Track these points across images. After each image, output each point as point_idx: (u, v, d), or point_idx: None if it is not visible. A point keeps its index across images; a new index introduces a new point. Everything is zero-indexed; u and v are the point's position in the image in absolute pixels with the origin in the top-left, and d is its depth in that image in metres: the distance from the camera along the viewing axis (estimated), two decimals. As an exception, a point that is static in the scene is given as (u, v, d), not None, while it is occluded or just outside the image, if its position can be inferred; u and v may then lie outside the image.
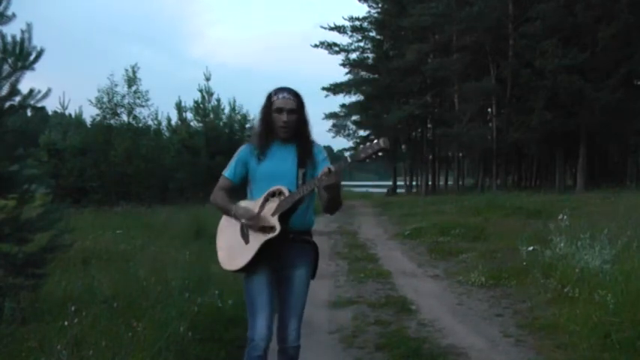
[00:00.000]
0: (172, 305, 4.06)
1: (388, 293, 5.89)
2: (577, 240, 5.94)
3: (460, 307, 5.30)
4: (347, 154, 2.43)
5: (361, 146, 2.39)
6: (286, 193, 2.55)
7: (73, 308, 3.44)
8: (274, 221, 2.54)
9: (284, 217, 2.54)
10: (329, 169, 2.38)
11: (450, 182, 43.07)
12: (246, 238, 2.59)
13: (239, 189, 2.77)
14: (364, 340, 4.21)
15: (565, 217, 7.21)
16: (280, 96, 2.63)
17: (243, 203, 2.68)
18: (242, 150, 2.75)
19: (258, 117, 2.73)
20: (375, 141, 2.32)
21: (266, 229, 2.54)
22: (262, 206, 2.58)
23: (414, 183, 43.36)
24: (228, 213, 2.67)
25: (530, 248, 6.79)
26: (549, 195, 21.63)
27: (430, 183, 40.20)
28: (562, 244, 6.18)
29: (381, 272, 7.17)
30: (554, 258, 6.00)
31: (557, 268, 5.56)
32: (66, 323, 3.29)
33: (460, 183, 39.94)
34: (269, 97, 2.67)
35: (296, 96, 2.66)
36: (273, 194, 2.58)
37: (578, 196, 20.02)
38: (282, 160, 2.66)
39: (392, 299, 5.57)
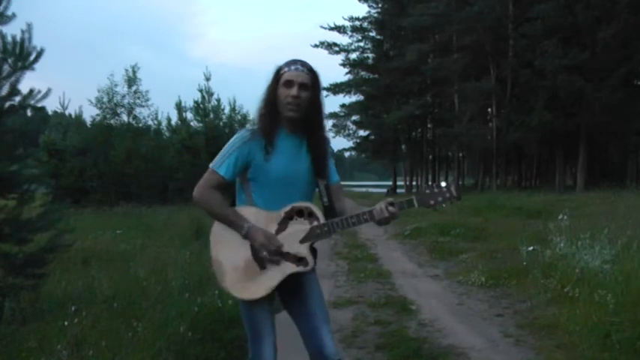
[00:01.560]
0: (172, 305, 4.06)
1: (388, 293, 5.89)
2: (577, 240, 5.94)
3: (460, 307, 5.30)
4: (414, 197, 2.08)
5: (428, 191, 2.13)
6: (319, 217, 2.09)
7: (73, 308, 3.45)
8: (305, 251, 2.09)
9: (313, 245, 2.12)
10: (392, 212, 2.05)
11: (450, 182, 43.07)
12: (261, 262, 2.09)
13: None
14: (364, 340, 4.21)
15: (565, 217, 7.21)
16: (293, 67, 2.10)
17: (250, 214, 2.10)
18: (244, 141, 2.13)
19: (262, 96, 2.17)
20: (444, 185, 2.11)
21: (290, 256, 2.08)
22: (283, 224, 2.10)
23: (414, 183, 43.39)
24: (234, 227, 2.10)
25: (530, 248, 6.78)
26: (549, 195, 21.62)
27: (430, 183, 40.08)
28: (562, 244, 6.17)
29: (381, 272, 7.16)
30: (554, 258, 5.99)
31: (557, 268, 5.55)
32: (66, 323, 3.30)
33: (460, 183, 39.95)
34: (277, 71, 2.14)
35: (311, 71, 2.14)
36: (300, 212, 2.10)
37: (578, 196, 20.02)
38: (295, 158, 2.15)
39: (392, 299, 5.56)
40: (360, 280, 6.64)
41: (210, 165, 2.15)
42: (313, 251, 2.20)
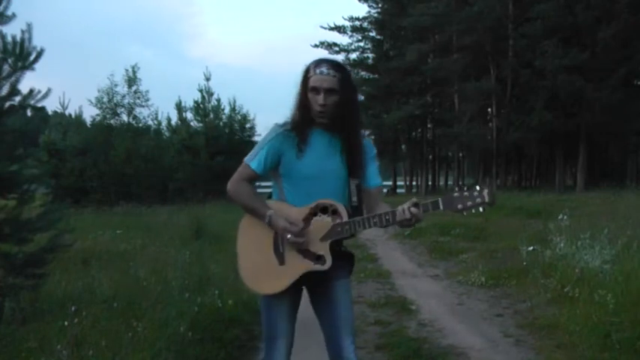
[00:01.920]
0: (172, 305, 4.05)
1: (388, 293, 5.89)
2: (577, 240, 5.94)
3: (460, 307, 5.30)
4: (440, 199, 2.00)
5: (457, 193, 1.99)
6: (344, 215, 2.03)
7: (73, 308, 3.44)
8: (324, 249, 2.02)
9: (334, 245, 2.05)
10: (415, 213, 1.96)
11: (450, 182, 43.11)
12: (280, 257, 2.06)
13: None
14: (364, 340, 4.20)
15: (565, 217, 7.21)
16: (318, 71, 2.03)
17: (276, 205, 2.10)
18: (276, 136, 2.11)
19: (295, 97, 2.14)
20: (477, 189, 1.96)
21: (309, 254, 2.03)
22: (307, 220, 2.04)
23: (414, 183, 43.38)
24: (258, 216, 2.08)
25: (530, 248, 6.79)
26: (549, 195, 21.61)
27: (430, 183, 40.25)
28: (562, 244, 6.17)
29: (381, 272, 7.17)
30: (554, 258, 6.00)
31: (557, 268, 5.56)
32: (66, 323, 3.29)
33: (460, 183, 39.90)
34: (306, 72, 2.08)
35: (339, 70, 2.05)
36: (324, 209, 2.04)
37: (578, 196, 20.01)
38: (327, 155, 2.09)
39: (392, 299, 5.56)
40: (360, 280, 6.64)
41: (245, 159, 2.15)
42: (350, 256, 2.19)
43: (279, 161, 2.10)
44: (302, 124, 2.08)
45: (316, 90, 2.02)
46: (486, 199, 1.94)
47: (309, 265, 2.03)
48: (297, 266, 2.04)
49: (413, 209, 1.97)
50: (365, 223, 2.02)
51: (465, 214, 1.98)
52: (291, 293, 2.11)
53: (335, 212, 2.04)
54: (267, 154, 2.10)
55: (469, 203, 1.96)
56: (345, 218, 2.04)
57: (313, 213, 2.04)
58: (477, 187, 1.98)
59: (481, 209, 1.95)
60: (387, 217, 2.00)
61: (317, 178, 2.07)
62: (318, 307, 2.20)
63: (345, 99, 2.06)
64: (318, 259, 2.02)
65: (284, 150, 2.08)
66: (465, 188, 2.00)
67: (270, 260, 2.07)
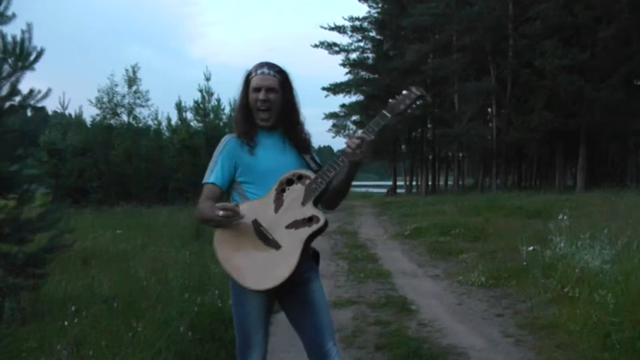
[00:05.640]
0: (172, 305, 4.06)
1: (388, 293, 5.89)
2: (577, 240, 5.94)
3: (460, 307, 5.30)
4: (383, 110, 2.09)
5: (391, 100, 2.10)
6: (310, 174, 2.08)
7: (73, 308, 3.44)
8: (311, 210, 2.04)
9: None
10: (359, 137, 2.01)
11: (450, 182, 43.08)
12: (274, 244, 2.02)
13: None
14: (364, 340, 4.21)
15: (565, 217, 7.21)
16: (259, 72, 2.12)
17: (244, 207, 2.06)
18: (228, 144, 2.16)
19: (237, 102, 2.22)
20: (408, 89, 2.10)
21: (300, 222, 2.03)
22: (278, 200, 2.07)
23: (414, 183, 43.35)
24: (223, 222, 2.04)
25: (530, 248, 6.78)
26: (549, 195, 21.59)
27: (430, 183, 40.22)
28: (562, 244, 6.17)
29: (381, 272, 7.17)
30: (554, 258, 6.00)
31: (557, 268, 5.56)
32: (66, 323, 3.30)
33: (460, 183, 39.91)
34: (248, 75, 2.16)
35: (279, 72, 2.14)
36: (289, 182, 2.09)
37: (578, 196, 20.00)
38: (281, 151, 2.17)
39: (392, 299, 5.57)
40: (360, 280, 6.64)
41: (203, 181, 2.17)
42: (315, 254, 2.20)
43: (236, 168, 2.14)
44: (246, 125, 2.15)
45: (258, 89, 2.11)
46: (418, 93, 2.08)
47: (307, 231, 2.02)
48: (297, 238, 2.02)
49: (357, 134, 2.04)
50: (334, 166, 2.06)
51: (409, 111, 2.11)
52: (263, 299, 2.11)
53: (300, 177, 2.09)
54: (222, 164, 2.14)
55: (407, 101, 2.08)
56: (312, 176, 2.09)
57: (281, 190, 2.08)
58: (405, 91, 2.11)
59: (419, 102, 2.12)
60: (341, 159, 2.05)
61: (275, 170, 2.10)
62: (295, 314, 2.19)
63: (288, 97, 2.15)
64: (311, 220, 2.03)
65: (237, 155, 2.13)
66: (396, 95, 2.12)
67: (267, 251, 2.02)
